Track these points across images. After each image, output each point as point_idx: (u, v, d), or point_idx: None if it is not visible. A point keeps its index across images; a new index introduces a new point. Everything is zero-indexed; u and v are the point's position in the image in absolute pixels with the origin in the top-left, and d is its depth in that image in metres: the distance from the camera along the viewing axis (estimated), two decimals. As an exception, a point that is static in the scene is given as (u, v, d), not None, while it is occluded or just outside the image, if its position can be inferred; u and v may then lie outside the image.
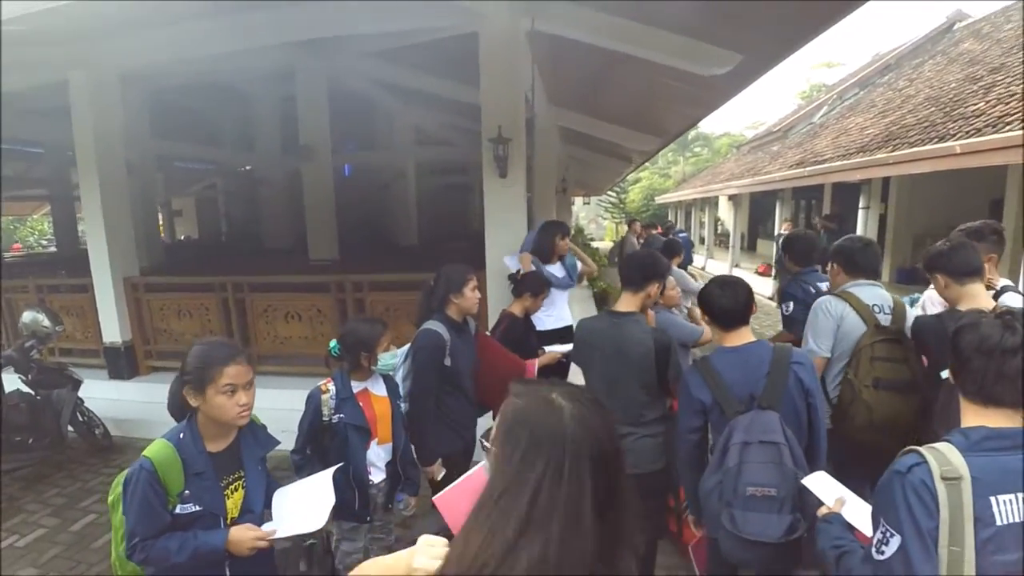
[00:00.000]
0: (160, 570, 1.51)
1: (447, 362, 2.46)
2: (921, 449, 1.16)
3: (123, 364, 5.14)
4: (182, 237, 16.75)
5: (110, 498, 1.64)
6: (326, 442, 2.11)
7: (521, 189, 4.44)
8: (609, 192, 28.02)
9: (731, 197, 16.11)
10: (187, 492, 1.49)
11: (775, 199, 14.22)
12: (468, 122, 9.95)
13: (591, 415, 0.77)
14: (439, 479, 2.39)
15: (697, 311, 3.11)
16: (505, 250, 4.25)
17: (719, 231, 20.26)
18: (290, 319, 4.97)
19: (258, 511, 1.63)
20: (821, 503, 1.49)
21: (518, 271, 3.27)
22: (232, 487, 1.60)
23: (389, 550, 2.39)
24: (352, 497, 2.11)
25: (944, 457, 1.11)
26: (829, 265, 2.64)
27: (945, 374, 1.68)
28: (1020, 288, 4.84)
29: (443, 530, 0.94)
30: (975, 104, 6.34)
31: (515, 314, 3.11)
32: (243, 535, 1.53)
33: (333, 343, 2.17)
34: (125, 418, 4.66)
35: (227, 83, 7.80)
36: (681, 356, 2.49)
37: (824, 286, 2.89)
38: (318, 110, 7.35)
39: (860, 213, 8.51)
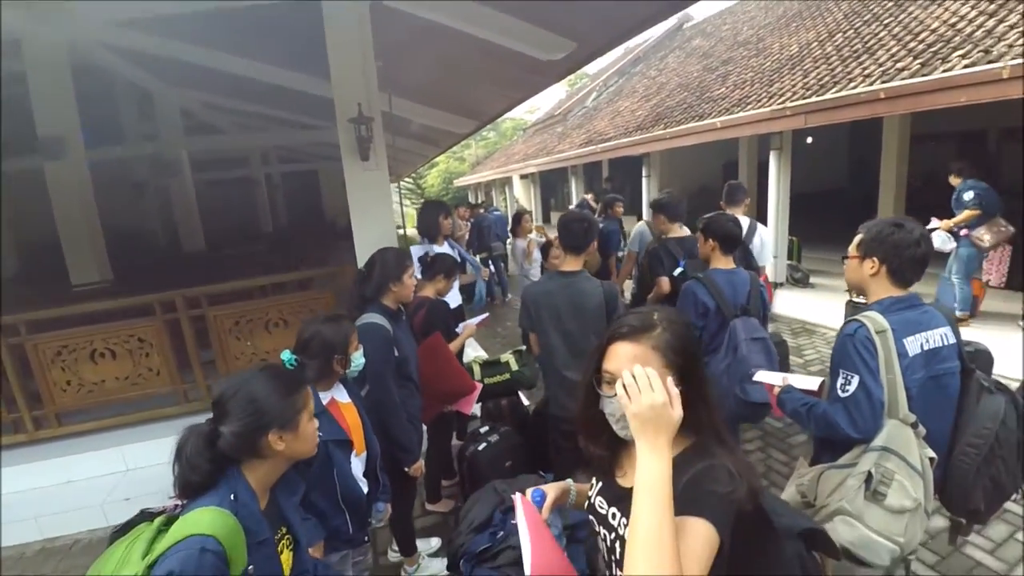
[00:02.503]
0: None
1: (395, 352, 2.32)
2: (859, 316, 1.64)
3: None
4: None
5: None
6: (302, 469, 1.80)
7: (385, 173, 4.20)
8: (406, 179, 27.75)
9: (524, 176, 17.55)
10: (251, 568, 1.14)
11: (567, 175, 15.97)
12: (261, 106, 8.82)
13: (682, 325, 1.04)
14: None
15: None
16: (374, 241, 4.01)
17: (517, 208, 21.98)
18: (99, 358, 3.89)
19: (311, 571, 1.34)
20: (773, 386, 1.94)
21: (427, 253, 3.15)
22: (278, 548, 1.27)
23: (368, 570, 2.19)
24: (343, 521, 1.86)
25: (874, 319, 1.60)
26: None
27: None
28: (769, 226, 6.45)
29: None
30: (718, 89, 8.09)
31: (430, 297, 3.02)
32: None
33: (288, 355, 1.82)
34: None
35: None
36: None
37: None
38: (62, 92, 5.64)
39: (644, 181, 10.14)
